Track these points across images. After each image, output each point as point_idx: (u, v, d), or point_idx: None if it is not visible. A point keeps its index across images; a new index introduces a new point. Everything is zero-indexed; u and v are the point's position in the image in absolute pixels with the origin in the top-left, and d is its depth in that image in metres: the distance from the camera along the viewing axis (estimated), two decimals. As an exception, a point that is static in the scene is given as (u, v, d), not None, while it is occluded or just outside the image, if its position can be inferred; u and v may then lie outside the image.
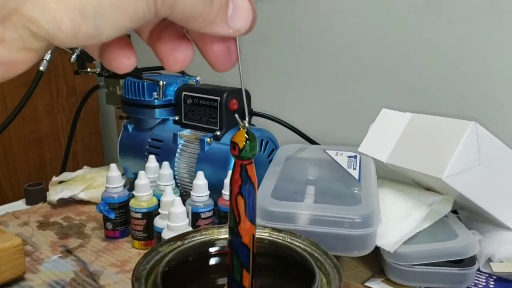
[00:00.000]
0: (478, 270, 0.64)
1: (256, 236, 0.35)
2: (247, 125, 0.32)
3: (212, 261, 0.44)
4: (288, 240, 0.44)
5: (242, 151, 0.31)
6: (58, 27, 0.21)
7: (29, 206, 0.91)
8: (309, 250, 0.42)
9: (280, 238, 0.44)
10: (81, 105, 1.14)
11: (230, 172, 0.74)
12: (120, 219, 0.77)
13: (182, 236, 0.44)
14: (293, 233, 0.45)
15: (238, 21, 0.26)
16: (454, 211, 0.73)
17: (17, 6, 0.21)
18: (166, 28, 0.28)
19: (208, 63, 0.29)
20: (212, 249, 0.44)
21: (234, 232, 0.34)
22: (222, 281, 0.44)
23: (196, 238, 0.45)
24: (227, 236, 0.45)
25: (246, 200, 0.33)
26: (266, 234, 0.45)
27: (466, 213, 0.74)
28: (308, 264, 0.39)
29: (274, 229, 0.45)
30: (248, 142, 0.31)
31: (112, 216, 0.76)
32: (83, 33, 0.22)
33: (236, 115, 0.32)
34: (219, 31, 0.26)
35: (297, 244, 0.43)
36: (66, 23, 0.21)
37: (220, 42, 0.28)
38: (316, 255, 0.42)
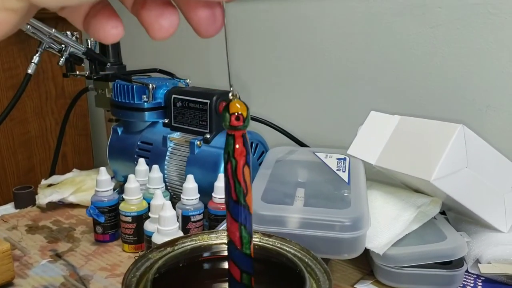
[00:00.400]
0: (466, 271, 0.65)
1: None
2: (237, 94, 0.31)
3: (203, 267, 0.44)
4: (279, 245, 0.44)
5: (246, 119, 0.31)
6: None
7: (17, 210, 0.91)
8: (299, 255, 0.42)
9: (270, 243, 0.44)
10: (70, 107, 1.13)
11: (220, 174, 0.74)
12: (110, 222, 0.77)
13: (172, 242, 0.44)
14: (283, 238, 0.45)
15: None
16: (442, 213, 0.74)
17: None
18: None
19: (193, 29, 0.27)
20: (202, 255, 0.44)
21: (243, 205, 0.33)
22: (214, 287, 0.44)
23: (186, 244, 0.44)
24: (217, 241, 0.45)
25: (251, 169, 0.33)
26: (257, 240, 0.45)
27: (454, 215, 0.74)
28: (298, 270, 0.39)
29: (264, 234, 0.45)
30: (248, 110, 0.31)
31: (102, 219, 0.76)
32: None
33: (230, 85, 0.31)
34: None
35: (288, 249, 0.43)
36: None
37: (206, 7, 0.26)
38: (306, 260, 0.42)
